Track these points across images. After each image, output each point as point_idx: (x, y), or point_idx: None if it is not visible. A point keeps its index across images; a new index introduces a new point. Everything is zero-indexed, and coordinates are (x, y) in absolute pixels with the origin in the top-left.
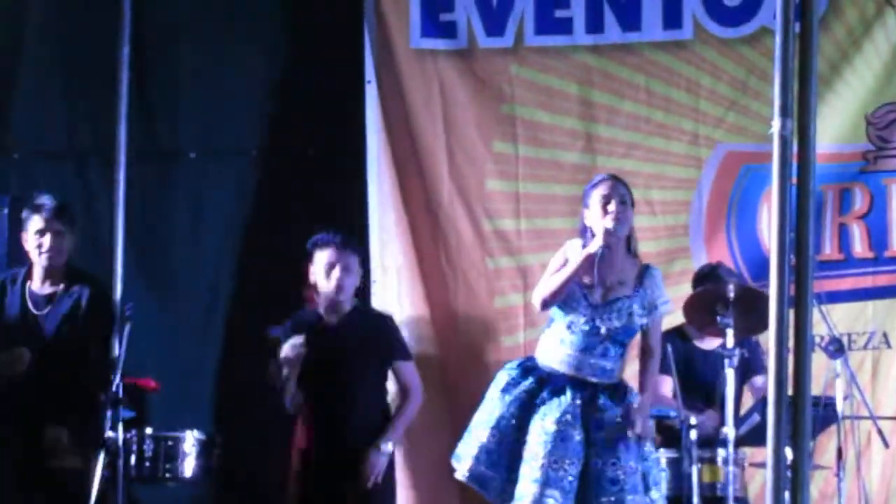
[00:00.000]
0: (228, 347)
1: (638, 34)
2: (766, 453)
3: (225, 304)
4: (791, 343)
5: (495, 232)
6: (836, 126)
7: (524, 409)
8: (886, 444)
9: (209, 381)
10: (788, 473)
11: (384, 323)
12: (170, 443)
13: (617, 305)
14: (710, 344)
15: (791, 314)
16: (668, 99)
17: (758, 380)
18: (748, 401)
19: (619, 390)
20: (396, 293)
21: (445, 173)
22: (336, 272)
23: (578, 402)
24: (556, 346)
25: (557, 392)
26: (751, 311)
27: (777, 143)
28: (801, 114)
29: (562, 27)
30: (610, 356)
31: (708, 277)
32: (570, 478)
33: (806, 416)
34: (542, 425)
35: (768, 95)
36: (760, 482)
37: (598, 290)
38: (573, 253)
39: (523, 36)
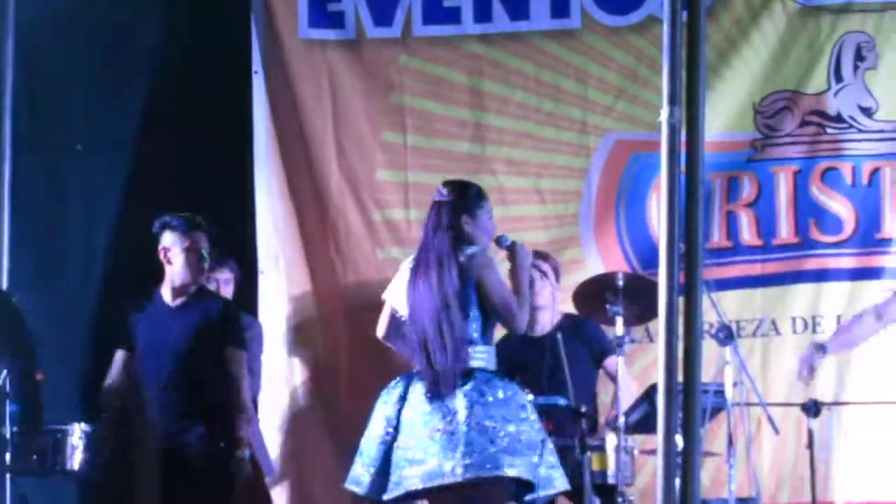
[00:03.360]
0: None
1: (526, 23)
2: (657, 441)
3: (114, 295)
4: (681, 331)
5: (385, 222)
6: (725, 114)
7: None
8: (776, 431)
9: (98, 373)
10: (679, 461)
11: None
12: (58, 435)
13: None
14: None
15: (681, 302)
16: (557, 88)
17: (609, 361)
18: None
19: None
20: (285, 284)
21: (334, 164)
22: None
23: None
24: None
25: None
26: (640, 299)
27: (666, 131)
28: (689, 102)
29: (450, 16)
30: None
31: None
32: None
33: (696, 404)
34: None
35: (657, 84)
36: (651, 470)
37: None
38: None
39: (411, 26)
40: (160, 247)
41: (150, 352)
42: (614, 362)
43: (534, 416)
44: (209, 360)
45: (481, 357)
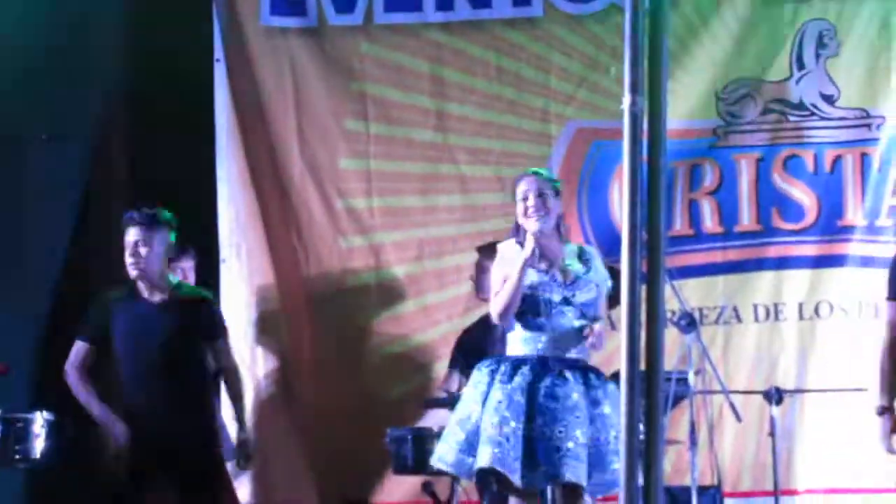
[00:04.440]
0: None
1: (488, 11)
2: (619, 428)
3: (72, 285)
4: (643, 318)
5: (347, 210)
6: (687, 102)
7: (530, 396)
8: (739, 419)
9: (57, 362)
10: (641, 448)
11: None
12: (19, 424)
13: (580, 282)
14: None
15: (643, 290)
16: (518, 76)
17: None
18: None
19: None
20: (246, 272)
21: (296, 152)
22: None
23: (530, 374)
24: (531, 335)
25: (516, 369)
26: None
27: (627, 119)
28: (651, 90)
29: (412, 4)
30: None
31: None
32: (512, 440)
33: (658, 392)
34: (492, 395)
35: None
36: None
37: (558, 272)
38: (510, 254)
39: (373, 14)
40: (126, 241)
41: (134, 345)
42: None
43: None
44: (196, 355)
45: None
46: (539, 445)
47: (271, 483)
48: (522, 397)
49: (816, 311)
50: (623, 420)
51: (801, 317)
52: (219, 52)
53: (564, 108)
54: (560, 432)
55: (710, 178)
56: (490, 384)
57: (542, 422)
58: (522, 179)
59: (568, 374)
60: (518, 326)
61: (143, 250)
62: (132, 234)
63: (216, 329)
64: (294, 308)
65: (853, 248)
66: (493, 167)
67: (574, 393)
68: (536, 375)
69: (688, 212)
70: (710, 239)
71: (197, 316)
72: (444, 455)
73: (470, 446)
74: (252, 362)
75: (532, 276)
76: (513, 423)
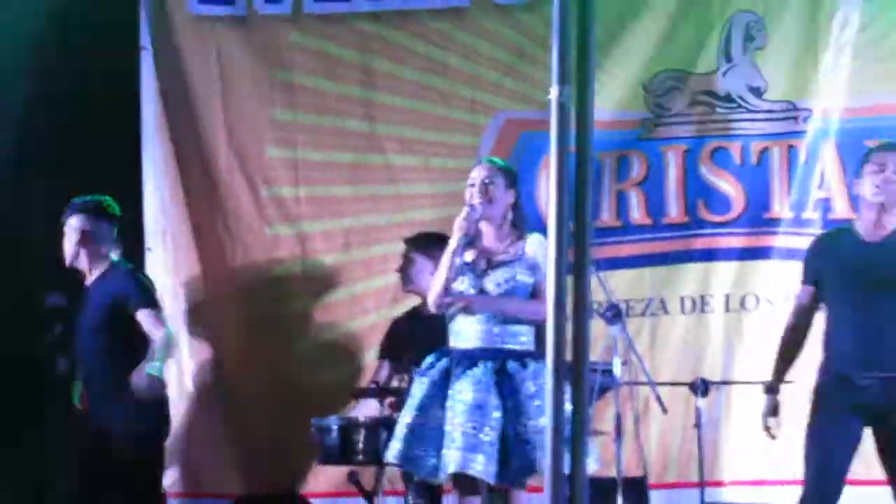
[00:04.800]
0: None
1: (417, 1)
2: (545, 419)
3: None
4: (569, 310)
5: (274, 199)
6: (615, 94)
7: (442, 388)
8: (664, 410)
9: None
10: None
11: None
12: None
13: (499, 272)
14: None
15: (569, 281)
16: (447, 66)
17: None
18: None
19: (531, 357)
20: (172, 260)
21: (224, 141)
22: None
23: (491, 370)
24: (459, 327)
25: (470, 365)
26: None
27: (555, 110)
28: (579, 81)
29: None
30: (510, 320)
31: None
32: (490, 443)
33: (584, 383)
34: (460, 398)
35: (547, 62)
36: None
37: (482, 261)
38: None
39: (302, 3)
40: (70, 229)
41: (79, 332)
42: None
43: None
44: (125, 332)
45: None
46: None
47: (196, 471)
48: (435, 390)
49: (743, 303)
50: (549, 409)
51: (727, 309)
52: (145, 41)
53: (493, 99)
54: (474, 425)
55: (637, 170)
56: (437, 379)
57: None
58: (475, 167)
59: (482, 365)
60: (456, 318)
61: (83, 237)
62: (75, 222)
63: (141, 297)
64: (220, 297)
65: (779, 240)
66: (422, 157)
67: (480, 383)
68: (454, 366)
69: (615, 203)
70: (637, 230)
71: (123, 286)
72: (395, 450)
73: (420, 442)
74: (179, 351)
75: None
76: (460, 419)
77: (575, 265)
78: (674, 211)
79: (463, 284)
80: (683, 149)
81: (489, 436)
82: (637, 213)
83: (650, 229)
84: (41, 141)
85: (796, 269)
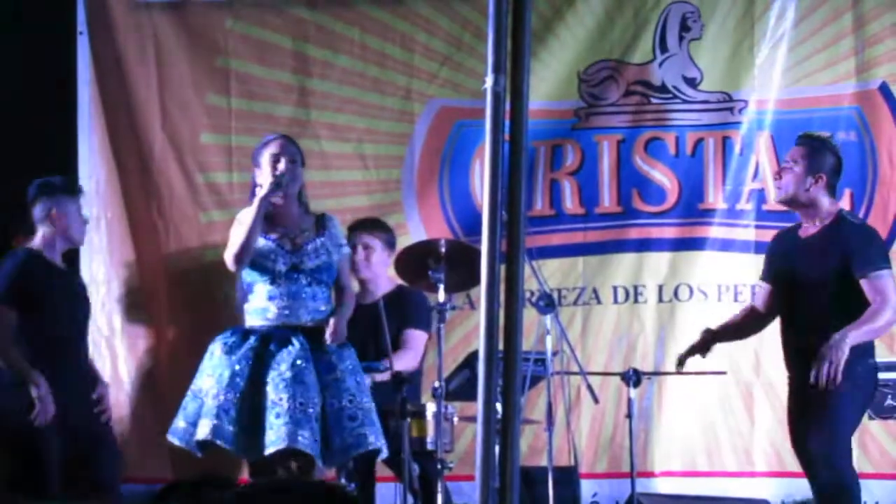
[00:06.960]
0: None
1: None
2: (477, 408)
3: None
4: (502, 298)
5: (208, 185)
6: (549, 83)
7: (255, 366)
8: (596, 400)
9: None
10: (498, 428)
11: None
12: None
13: (309, 248)
14: None
15: (502, 269)
16: (382, 54)
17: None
18: None
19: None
20: (106, 245)
21: (158, 126)
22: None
23: (306, 347)
24: (266, 304)
25: (284, 343)
26: (462, 266)
27: (490, 99)
28: (514, 70)
29: None
30: (319, 298)
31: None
32: (315, 420)
33: (516, 372)
34: (279, 374)
35: (482, 52)
36: (470, 436)
37: (287, 240)
38: (245, 217)
39: None
40: (47, 209)
41: (63, 320)
42: (414, 336)
43: None
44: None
45: None
46: (265, 415)
47: (127, 459)
48: (248, 368)
49: (676, 293)
50: (480, 398)
51: (660, 299)
52: (82, 25)
53: (427, 87)
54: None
55: (571, 159)
56: (222, 356)
57: (268, 391)
58: (274, 142)
59: (295, 342)
60: (252, 296)
61: (67, 216)
62: (52, 202)
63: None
64: (154, 283)
65: (713, 231)
66: (355, 144)
67: (299, 360)
68: (265, 344)
69: (549, 192)
70: (570, 219)
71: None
72: (176, 429)
73: (197, 418)
74: (111, 336)
75: (261, 243)
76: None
77: (508, 254)
78: (607, 200)
79: (277, 263)
80: (618, 139)
81: (312, 414)
82: (570, 203)
83: (583, 219)
84: None
85: (730, 260)
